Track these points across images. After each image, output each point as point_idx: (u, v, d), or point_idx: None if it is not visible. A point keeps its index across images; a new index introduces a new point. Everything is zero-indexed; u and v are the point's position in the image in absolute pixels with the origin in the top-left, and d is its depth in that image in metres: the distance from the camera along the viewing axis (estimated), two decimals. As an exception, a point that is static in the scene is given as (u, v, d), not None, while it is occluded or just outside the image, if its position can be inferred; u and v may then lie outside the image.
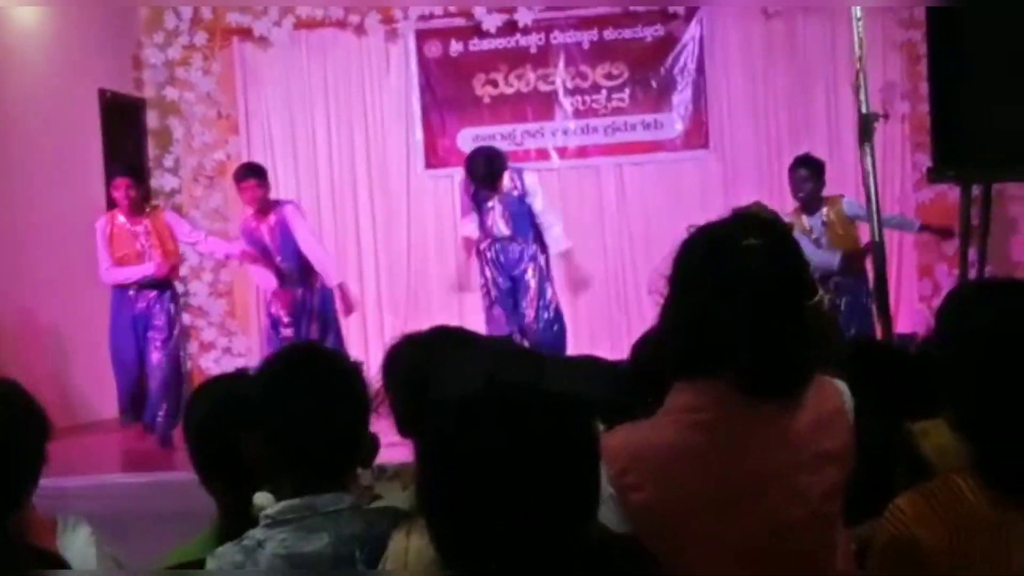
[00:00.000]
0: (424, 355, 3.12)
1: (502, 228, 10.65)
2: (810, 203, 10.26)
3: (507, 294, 10.71)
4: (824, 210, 10.28)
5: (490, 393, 2.16)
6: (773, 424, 2.62)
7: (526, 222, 10.66)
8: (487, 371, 2.61)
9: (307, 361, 3.06)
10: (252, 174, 10.64)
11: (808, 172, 10.31)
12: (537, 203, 10.67)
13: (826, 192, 10.37)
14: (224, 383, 3.55)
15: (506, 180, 10.61)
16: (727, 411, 2.60)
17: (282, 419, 2.91)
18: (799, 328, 2.65)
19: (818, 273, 8.50)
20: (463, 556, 2.13)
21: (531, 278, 10.69)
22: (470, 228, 10.88)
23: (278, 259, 10.58)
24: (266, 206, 10.61)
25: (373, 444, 2.96)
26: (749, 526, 2.59)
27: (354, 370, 3.03)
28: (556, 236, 10.80)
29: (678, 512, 2.57)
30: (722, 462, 2.59)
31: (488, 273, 10.80)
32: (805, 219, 10.24)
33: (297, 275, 10.64)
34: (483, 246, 10.79)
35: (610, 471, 2.50)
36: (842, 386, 2.75)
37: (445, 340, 3.28)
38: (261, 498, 2.90)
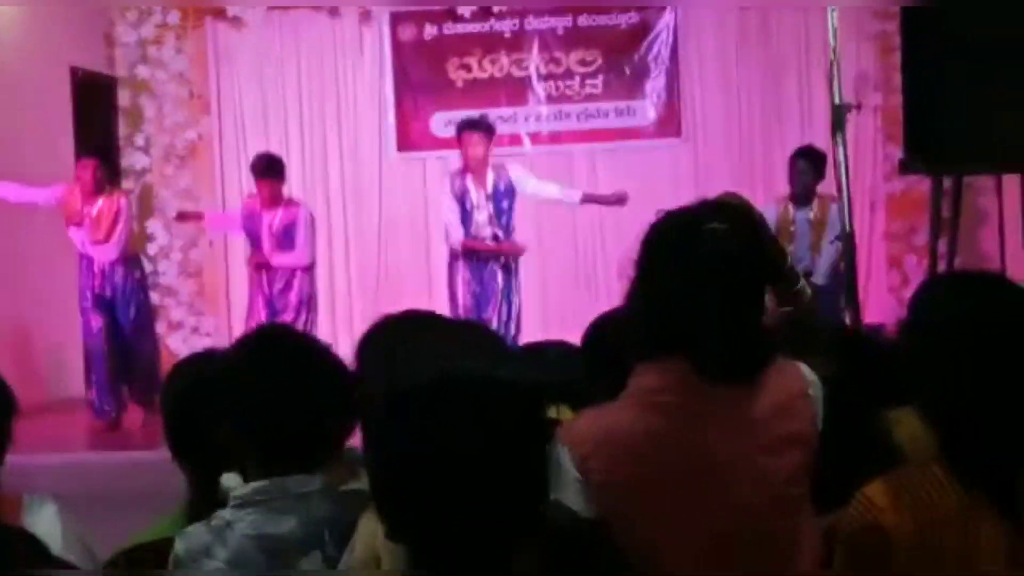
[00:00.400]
0: (391, 339, 3.12)
1: (485, 226, 10.33)
2: (803, 196, 10.20)
3: (474, 303, 10.36)
4: (814, 206, 10.24)
5: (438, 380, 2.17)
6: (734, 407, 2.64)
7: (509, 224, 10.42)
8: (445, 356, 2.61)
9: (277, 342, 3.06)
10: (273, 171, 10.59)
11: (807, 164, 10.18)
12: (530, 188, 10.49)
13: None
14: (198, 362, 3.54)
15: (490, 177, 10.36)
16: (687, 394, 2.62)
17: (251, 400, 2.90)
18: (759, 313, 2.68)
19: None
20: (414, 542, 2.15)
21: (500, 288, 10.41)
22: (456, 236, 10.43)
23: (267, 250, 10.51)
24: (277, 200, 10.54)
25: (346, 427, 2.94)
26: (713, 509, 2.60)
27: (325, 352, 3.02)
28: (568, 195, 10.89)
29: (643, 495, 2.58)
30: (683, 444, 2.60)
31: (461, 287, 10.39)
32: (792, 210, 10.22)
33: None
34: (460, 261, 10.37)
35: (575, 455, 2.54)
36: (805, 370, 2.77)
37: (412, 324, 3.28)
38: (229, 479, 2.90)
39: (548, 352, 3.56)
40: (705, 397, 2.62)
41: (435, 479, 2.07)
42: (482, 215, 10.26)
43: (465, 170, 10.31)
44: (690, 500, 2.59)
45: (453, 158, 12.34)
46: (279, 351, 2.98)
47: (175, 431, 3.31)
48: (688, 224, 2.68)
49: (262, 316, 10.43)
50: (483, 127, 10.39)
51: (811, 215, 10.18)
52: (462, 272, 10.29)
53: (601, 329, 3.65)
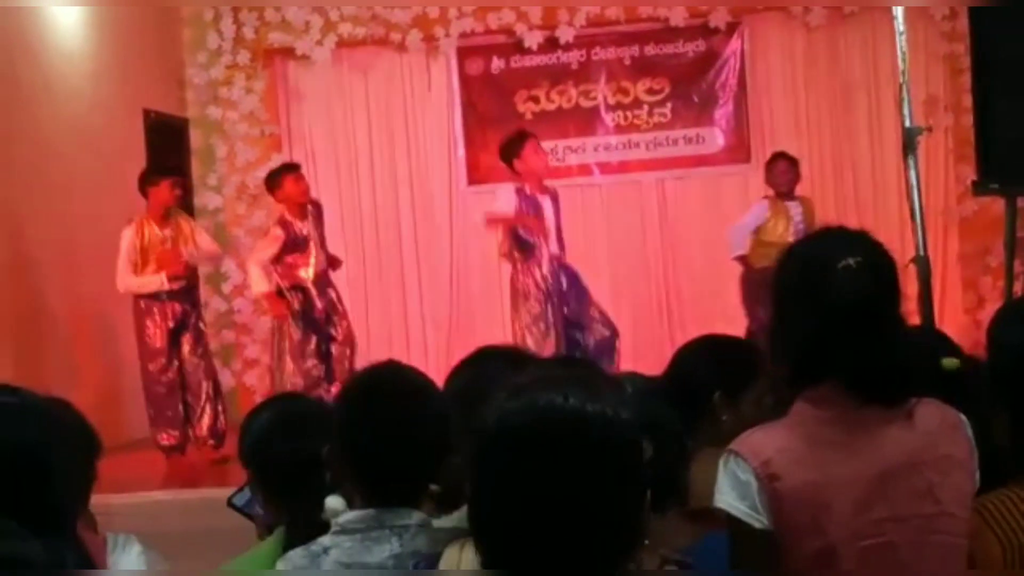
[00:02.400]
0: (475, 376, 3.17)
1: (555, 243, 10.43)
2: (789, 193, 11.13)
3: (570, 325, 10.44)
4: (798, 201, 11.20)
5: (542, 414, 2.16)
6: (893, 424, 2.70)
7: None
8: (536, 391, 2.61)
9: (389, 378, 3.12)
10: (289, 170, 10.76)
11: (788, 164, 11.20)
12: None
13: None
14: (282, 402, 3.68)
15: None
16: (851, 411, 2.69)
17: (361, 436, 2.98)
18: (899, 337, 2.75)
19: None
20: (511, 573, 2.14)
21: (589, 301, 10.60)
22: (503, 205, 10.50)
23: (315, 251, 10.63)
24: (304, 202, 10.66)
25: (444, 464, 2.99)
26: (883, 514, 2.64)
27: (433, 389, 3.10)
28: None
29: (819, 498, 2.65)
30: (854, 451, 2.68)
31: (551, 300, 10.38)
32: (788, 204, 11.06)
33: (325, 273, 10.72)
34: (545, 269, 10.36)
35: (754, 463, 2.65)
36: (959, 414, 2.81)
37: (495, 360, 3.32)
38: (333, 501, 3.00)
39: (625, 385, 3.55)
40: (868, 415, 2.69)
41: (536, 513, 2.07)
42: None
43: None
44: (862, 504, 2.65)
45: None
46: (392, 389, 3.06)
47: (261, 471, 3.42)
48: (818, 261, 2.76)
49: None
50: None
51: (801, 209, 11.10)
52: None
53: (684, 362, 3.67)
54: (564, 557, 2.07)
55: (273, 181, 10.68)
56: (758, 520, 2.63)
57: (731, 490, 2.66)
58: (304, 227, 10.52)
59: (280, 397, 4.04)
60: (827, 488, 2.63)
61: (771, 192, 11.24)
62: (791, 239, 9.97)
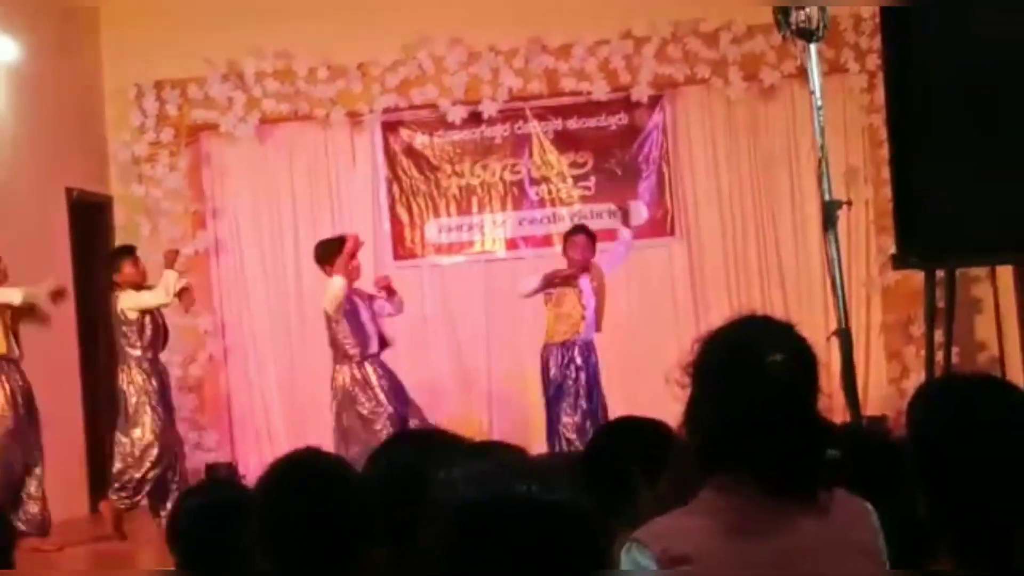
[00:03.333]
0: (394, 462, 3.15)
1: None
2: (585, 266, 11.29)
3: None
4: (593, 274, 11.37)
5: (500, 501, 2.14)
6: (800, 515, 2.72)
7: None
8: (488, 478, 2.59)
9: (308, 465, 3.11)
10: (125, 254, 11.05)
11: (588, 239, 11.37)
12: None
13: None
14: (214, 488, 3.65)
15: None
16: (762, 504, 2.69)
17: (278, 520, 2.97)
18: (816, 434, 2.76)
19: None
20: None
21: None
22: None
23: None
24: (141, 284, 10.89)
25: (373, 557, 2.97)
26: None
27: (353, 478, 3.09)
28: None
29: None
30: (755, 541, 2.67)
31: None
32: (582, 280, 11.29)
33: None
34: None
35: (655, 550, 2.63)
36: (865, 503, 2.85)
37: (413, 446, 3.31)
38: None
39: (549, 463, 3.55)
40: (771, 507, 2.69)
41: None
42: None
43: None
44: None
45: (448, 265, 12.42)
46: (309, 476, 3.05)
47: (187, 557, 3.35)
48: (743, 353, 2.78)
49: None
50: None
51: (595, 282, 11.37)
52: None
53: (601, 442, 3.68)
54: None
55: (112, 265, 10.85)
56: None
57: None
58: None
59: (212, 483, 4.00)
60: (727, 571, 2.64)
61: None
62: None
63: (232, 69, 13.04)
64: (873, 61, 11.90)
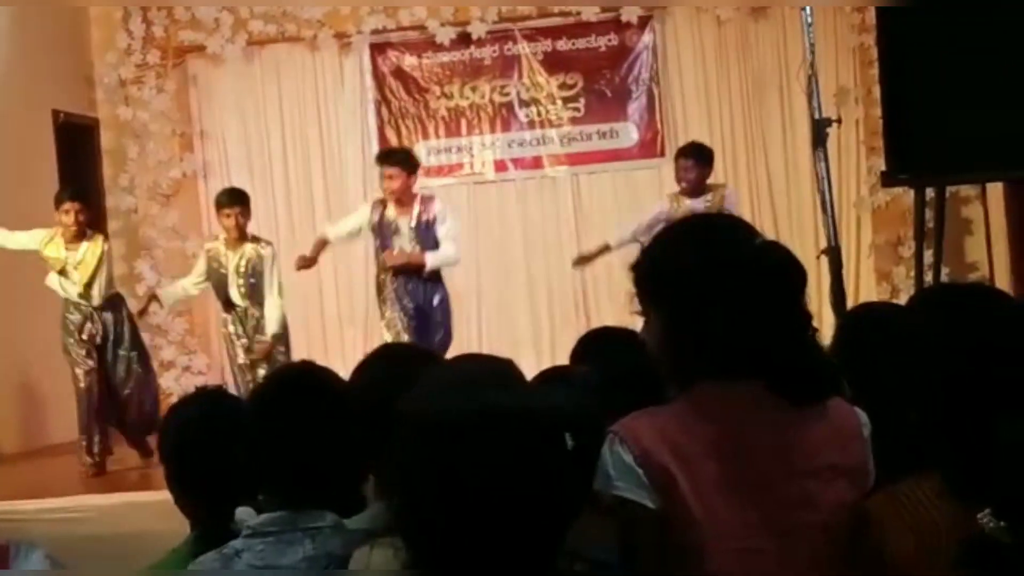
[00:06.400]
0: (391, 370, 3.16)
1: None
2: (693, 190, 10.35)
3: (415, 329, 10.24)
4: (708, 195, 10.40)
5: (473, 409, 2.15)
6: (790, 428, 2.64)
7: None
8: (458, 386, 2.59)
9: (304, 380, 3.11)
10: (237, 201, 10.31)
11: (693, 162, 10.43)
12: (442, 230, 10.22)
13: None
14: (206, 399, 3.61)
15: (415, 206, 10.23)
16: (754, 412, 2.62)
17: (271, 437, 2.97)
18: (814, 333, 2.69)
19: None
20: (442, 572, 2.12)
21: (437, 310, 10.36)
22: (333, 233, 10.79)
23: (235, 288, 10.30)
24: (243, 236, 10.30)
25: (365, 466, 2.98)
26: (760, 520, 2.60)
27: (345, 391, 3.09)
28: (441, 255, 10.27)
29: (698, 493, 2.57)
30: (734, 455, 2.60)
31: (393, 309, 10.35)
32: (685, 201, 10.31)
33: (247, 306, 10.34)
34: (382, 277, 10.40)
35: (635, 451, 2.56)
36: (861, 413, 2.77)
37: (411, 356, 3.31)
38: (243, 512, 2.99)
39: (547, 378, 3.52)
40: (766, 417, 2.63)
41: (468, 508, 2.06)
42: (404, 243, 10.24)
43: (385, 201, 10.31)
44: (739, 507, 2.59)
45: (437, 186, 12.37)
46: (301, 390, 3.05)
47: (182, 469, 3.37)
48: (727, 241, 2.67)
49: None
50: (395, 160, 10.31)
51: (706, 204, 10.24)
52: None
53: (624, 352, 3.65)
54: (498, 552, 2.07)
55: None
56: (651, 500, 2.57)
57: (620, 474, 2.57)
58: None
59: (204, 393, 3.96)
60: (704, 484, 2.57)
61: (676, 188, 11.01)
62: None
63: (219, -11, 12.94)
64: (864, -20, 11.84)
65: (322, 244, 10.86)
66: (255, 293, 10.26)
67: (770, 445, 2.62)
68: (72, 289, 10.07)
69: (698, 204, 10.25)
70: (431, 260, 10.14)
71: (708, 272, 2.64)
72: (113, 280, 10.49)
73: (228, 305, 10.33)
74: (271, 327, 10.24)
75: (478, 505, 2.06)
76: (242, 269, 10.23)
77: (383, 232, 10.26)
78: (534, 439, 2.11)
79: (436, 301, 10.33)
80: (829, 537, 2.65)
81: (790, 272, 2.66)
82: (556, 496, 2.13)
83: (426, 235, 10.18)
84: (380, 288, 10.41)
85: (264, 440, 2.97)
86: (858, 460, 2.72)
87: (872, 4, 8.09)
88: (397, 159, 10.29)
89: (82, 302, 10.11)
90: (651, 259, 2.75)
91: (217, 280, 10.31)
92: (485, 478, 2.06)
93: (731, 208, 10.09)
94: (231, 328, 10.37)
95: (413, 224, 10.18)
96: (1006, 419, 2.46)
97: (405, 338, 10.08)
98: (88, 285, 10.07)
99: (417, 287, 10.25)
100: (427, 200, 10.32)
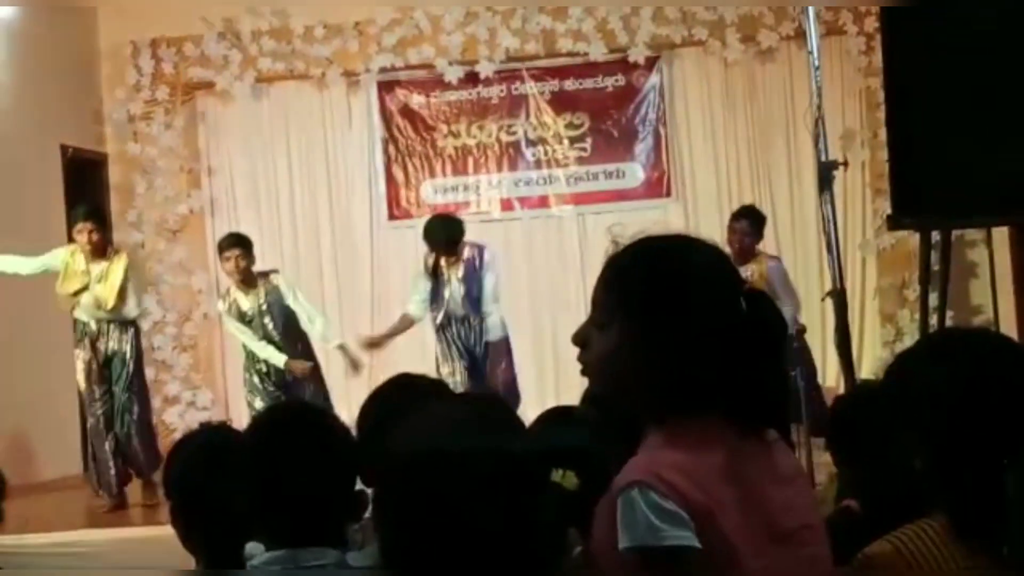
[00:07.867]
0: (397, 405, 3.17)
1: (458, 304, 10.27)
2: (740, 255, 10.02)
3: (469, 372, 10.31)
4: (751, 266, 10.14)
5: (448, 450, 2.17)
6: (764, 448, 2.64)
7: (481, 297, 10.27)
8: (454, 424, 2.61)
9: (297, 417, 3.13)
10: (236, 244, 10.18)
11: (744, 224, 10.27)
12: (489, 282, 10.24)
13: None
14: (209, 435, 3.61)
15: (465, 252, 10.22)
16: (731, 440, 2.59)
17: (270, 473, 2.96)
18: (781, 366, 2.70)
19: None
20: None
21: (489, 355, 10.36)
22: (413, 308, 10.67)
23: (268, 328, 10.26)
24: (249, 278, 10.20)
25: (361, 501, 2.98)
26: (768, 535, 2.61)
27: (342, 429, 3.09)
28: (491, 325, 10.33)
29: (728, 520, 2.53)
30: (736, 477, 2.60)
31: (449, 351, 10.43)
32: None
33: (284, 343, 10.33)
34: (440, 320, 10.42)
35: (671, 495, 2.44)
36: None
37: (409, 390, 3.32)
38: (252, 547, 2.97)
39: (550, 417, 3.52)
40: (739, 441, 2.60)
41: (448, 548, 2.08)
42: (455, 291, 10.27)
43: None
44: (754, 528, 2.59)
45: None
46: (300, 426, 3.05)
47: (186, 505, 3.37)
48: (719, 278, 2.66)
49: None
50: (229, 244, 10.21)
51: (749, 273, 9.93)
52: None
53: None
54: None
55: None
56: (698, 542, 2.47)
57: (666, 522, 2.43)
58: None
59: (207, 429, 3.98)
60: (728, 510, 2.53)
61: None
62: None
63: (228, 27, 13.01)
64: (871, 23, 11.86)
65: (409, 323, 10.90)
66: (290, 326, 10.32)
67: (751, 461, 2.63)
68: (89, 309, 9.98)
69: (743, 269, 9.86)
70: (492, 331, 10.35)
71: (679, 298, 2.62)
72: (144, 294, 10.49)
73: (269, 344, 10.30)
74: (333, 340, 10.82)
75: (446, 544, 2.07)
76: (264, 308, 10.20)
77: (438, 282, 10.34)
78: (504, 480, 2.13)
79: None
80: (815, 539, 2.66)
81: (774, 326, 2.65)
82: (528, 535, 2.14)
83: (472, 280, 10.21)
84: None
85: (261, 475, 2.97)
86: (801, 470, 2.80)
87: (874, 4, 8.10)
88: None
89: (93, 320, 9.99)
90: (639, 277, 2.73)
91: (242, 321, 10.28)
92: (452, 517, 2.08)
93: (774, 284, 9.88)
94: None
95: (461, 274, 10.21)
96: (1015, 464, 2.47)
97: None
98: (120, 298, 9.97)
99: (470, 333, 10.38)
100: (475, 248, 10.32)
